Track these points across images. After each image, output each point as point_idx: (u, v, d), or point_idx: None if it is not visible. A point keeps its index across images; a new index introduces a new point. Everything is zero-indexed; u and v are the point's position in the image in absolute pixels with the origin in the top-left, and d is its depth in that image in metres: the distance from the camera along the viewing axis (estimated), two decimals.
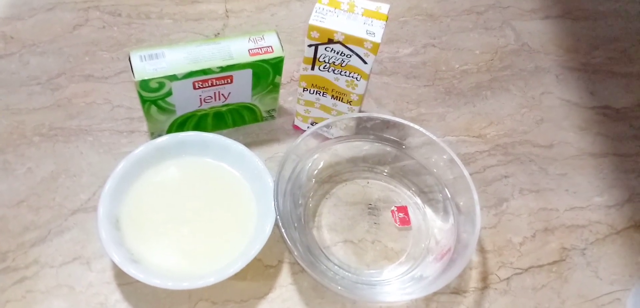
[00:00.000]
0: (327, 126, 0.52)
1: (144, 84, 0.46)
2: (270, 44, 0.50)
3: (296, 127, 0.58)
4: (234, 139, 0.51)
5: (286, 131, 0.58)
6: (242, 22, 0.67)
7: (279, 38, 0.51)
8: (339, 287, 0.43)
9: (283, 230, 0.44)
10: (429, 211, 0.52)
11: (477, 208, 0.47)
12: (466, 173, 0.49)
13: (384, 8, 0.48)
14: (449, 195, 0.52)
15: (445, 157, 0.51)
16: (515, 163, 0.59)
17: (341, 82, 0.50)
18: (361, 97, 0.51)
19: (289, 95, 0.61)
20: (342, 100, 0.52)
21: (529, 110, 0.64)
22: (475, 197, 0.47)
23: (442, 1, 0.75)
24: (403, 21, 0.72)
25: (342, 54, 0.48)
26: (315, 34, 0.47)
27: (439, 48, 0.69)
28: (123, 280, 0.45)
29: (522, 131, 0.62)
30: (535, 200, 0.56)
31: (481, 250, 0.51)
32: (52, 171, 0.51)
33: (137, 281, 0.45)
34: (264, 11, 0.69)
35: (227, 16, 0.68)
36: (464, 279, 0.49)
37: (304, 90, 0.53)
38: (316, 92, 0.53)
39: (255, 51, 0.50)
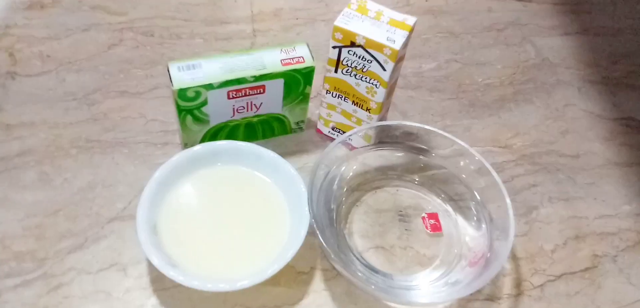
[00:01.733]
0: (351, 135, 0.53)
1: (181, 93, 0.48)
2: (301, 55, 0.52)
3: (319, 131, 0.59)
4: None
5: (314, 143, 0.59)
6: (268, 41, 0.69)
7: (309, 49, 0.53)
8: (373, 286, 0.43)
9: (318, 233, 0.44)
10: (460, 218, 0.52)
11: (511, 213, 0.47)
12: (498, 180, 0.49)
13: (410, 20, 0.49)
14: (480, 202, 0.52)
15: (474, 165, 0.52)
16: (543, 172, 0.59)
17: (362, 87, 0.51)
18: (380, 106, 0.52)
19: (316, 109, 0.62)
20: (361, 107, 0.53)
21: (554, 121, 0.65)
22: (508, 202, 0.47)
23: (462, 19, 0.77)
24: (425, 38, 0.73)
25: (364, 59, 0.49)
26: (339, 35, 0.48)
27: (462, 63, 0.70)
28: (159, 285, 0.46)
29: (548, 141, 0.62)
30: (564, 208, 0.56)
31: (513, 257, 0.51)
32: (89, 181, 0.52)
33: (173, 286, 0.46)
34: (289, 31, 0.71)
35: (255, 35, 0.70)
36: (497, 286, 0.49)
37: (327, 92, 0.54)
38: (338, 96, 0.54)
39: (287, 61, 0.51)
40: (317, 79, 0.64)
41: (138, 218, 0.45)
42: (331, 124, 0.57)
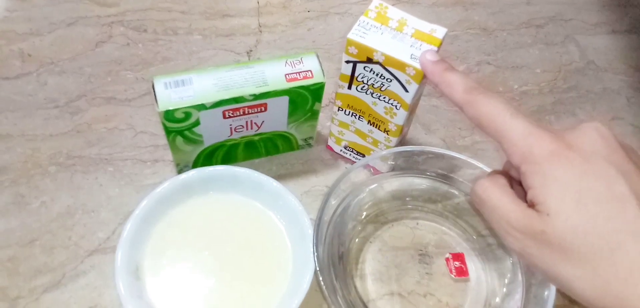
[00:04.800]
0: (372, 160, 0.46)
1: (168, 115, 0.41)
2: (309, 68, 0.44)
3: (329, 148, 0.52)
4: (267, 170, 0.45)
5: (324, 161, 0.52)
6: (276, 38, 0.62)
7: (319, 61, 0.45)
8: None
9: (323, 287, 0.38)
10: (489, 259, 0.45)
11: None
12: None
13: (440, 32, 0.41)
14: None
15: None
16: None
17: (379, 107, 0.44)
18: (400, 128, 0.45)
19: (327, 120, 0.55)
20: (379, 128, 0.46)
21: None
22: None
23: (496, 13, 0.68)
24: (453, 36, 0.65)
25: (382, 77, 0.41)
26: (353, 50, 0.41)
27: (495, 66, 0.62)
28: None
29: None
30: None
31: None
32: (69, 206, 0.46)
33: None
34: (299, 25, 0.63)
35: (260, 31, 0.62)
36: None
37: (338, 109, 0.47)
38: (352, 114, 0.47)
39: (292, 76, 0.44)
40: (329, 86, 0.56)
41: (117, 262, 0.39)
42: (343, 143, 0.50)
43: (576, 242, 0.27)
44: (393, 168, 0.48)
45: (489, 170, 0.46)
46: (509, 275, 0.44)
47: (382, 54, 0.40)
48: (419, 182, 0.49)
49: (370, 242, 0.46)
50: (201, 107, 0.42)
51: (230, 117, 0.44)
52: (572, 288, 0.27)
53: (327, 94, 0.57)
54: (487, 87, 0.59)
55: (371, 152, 0.50)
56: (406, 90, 0.41)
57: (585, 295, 0.27)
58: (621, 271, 0.26)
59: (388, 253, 0.46)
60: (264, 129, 0.47)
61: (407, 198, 0.49)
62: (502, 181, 0.31)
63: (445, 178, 0.48)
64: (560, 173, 0.28)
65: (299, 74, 0.44)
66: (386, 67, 0.40)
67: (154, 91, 0.41)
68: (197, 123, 0.43)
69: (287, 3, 0.65)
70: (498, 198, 0.31)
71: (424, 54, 0.37)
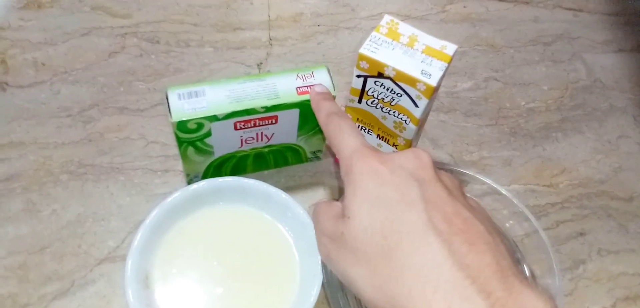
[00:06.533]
0: None
1: (181, 125, 0.42)
2: (320, 82, 0.45)
3: (337, 161, 0.53)
4: (276, 182, 0.46)
5: (332, 175, 0.52)
6: (286, 51, 0.62)
7: (330, 74, 0.46)
8: None
9: (330, 299, 0.38)
10: None
11: (559, 282, 0.40)
12: (541, 230, 0.43)
13: (450, 49, 0.42)
14: (519, 257, 0.45)
15: (513, 210, 0.45)
16: (592, 218, 0.52)
17: (389, 121, 0.45)
18: (409, 143, 0.45)
19: None
20: (387, 142, 0.47)
21: (605, 156, 0.57)
22: (556, 268, 0.41)
23: (504, 30, 0.69)
24: (461, 52, 0.65)
25: (392, 91, 0.42)
26: (364, 64, 0.41)
27: (502, 82, 0.63)
28: None
29: (599, 180, 0.55)
30: (614, 263, 0.49)
31: None
32: (79, 214, 0.47)
33: None
34: (309, 39, 0.64)
35: (271, 44, 0.63)
36: None
37: None
38: (361, 128, 0.47)
39: (303, 89, 0.44)
40: (339, 99, 0.57)
41: (127, 271, 0.39)
42: None
43: (365, 242, 0.28)
44: None
45: (495, 185, 0.46)
46: None
47: (393, 69, 0.40)
48: None
49: None
50: (213, 118, 0.42)
51: (241, 128, 0.44)
52: (357, 289, 0.28)
53: None
54: (493, 103, 0.60)
55: None
56: (416, 105, 0.42)
57: (366, 295, 0.28)
58: (395, 270, 0.26)
59: None
60: (273, 141, 0.48)
61: None
62: (336, 203, 0.34)
63: None
64: (366, 183, 0.30)
65: (310, 88, 0.44)
66: (397, 82, 0.41)
67: (168, 102, 0.42)
68: (208, 134, 0.44)
69: (297, 17, 0.66)
70: (322, 212, 0.34)
71: (314, 87, 0.43)
